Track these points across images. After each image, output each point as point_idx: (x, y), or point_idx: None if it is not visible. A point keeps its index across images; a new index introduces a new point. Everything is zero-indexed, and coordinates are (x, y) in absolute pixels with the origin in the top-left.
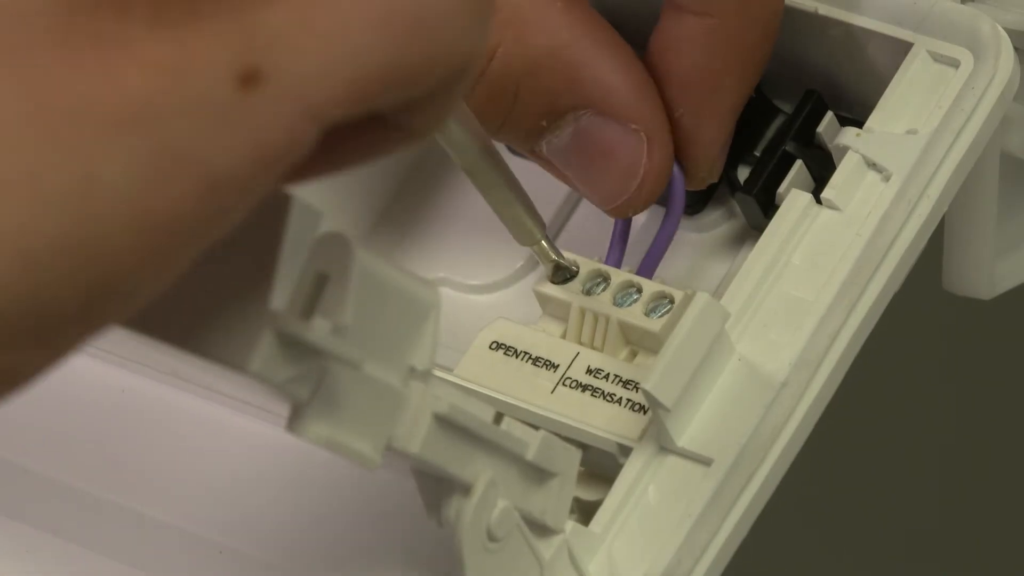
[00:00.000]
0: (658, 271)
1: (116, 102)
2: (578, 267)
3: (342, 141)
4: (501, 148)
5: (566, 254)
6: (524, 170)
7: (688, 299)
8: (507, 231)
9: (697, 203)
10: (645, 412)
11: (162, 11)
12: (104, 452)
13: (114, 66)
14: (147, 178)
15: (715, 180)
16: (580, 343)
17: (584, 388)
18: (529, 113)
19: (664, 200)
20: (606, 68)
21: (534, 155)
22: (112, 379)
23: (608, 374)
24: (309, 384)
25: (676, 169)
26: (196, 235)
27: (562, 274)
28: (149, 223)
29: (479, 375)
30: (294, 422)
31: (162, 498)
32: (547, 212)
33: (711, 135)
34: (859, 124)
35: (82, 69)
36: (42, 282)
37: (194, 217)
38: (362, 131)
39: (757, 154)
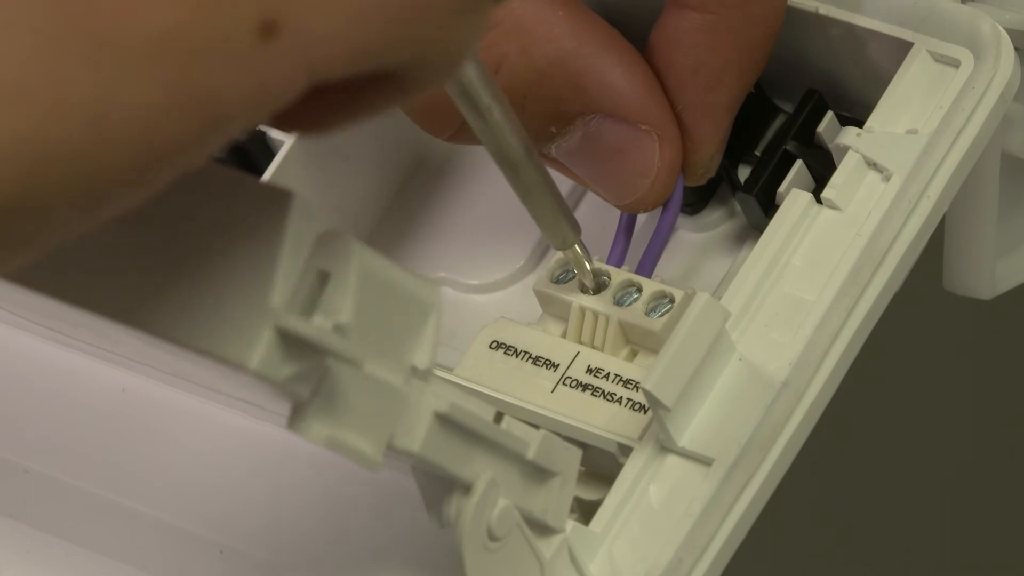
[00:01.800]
0: (659, 270)
1: (145, 32)
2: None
3: (336, 94)
4: None
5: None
6: None
7: (688, 298)
8: (506, 231)
9: (698, 202)
10: (645, 412)
11: None
12: (104, 452)
13: None
14: (159, 108)
15: (712, 175)
16: (580, 342)
17: (584, 387)
18: (538, 120)
19: None
20: (612, 72)
21: (543, 158)
22: (112, 379)
23: (608, 373)
24: (309, 383)
25: None
26: (183, 161)
27: (595, 283)
28: (149, 148)
29: (479, 374)
30: (295, 420)
31: (162, 498)
32: None
33: (709, 131)
34: (859, 124)
35: None
36: (38, 187)
37: (187, 146)
38: (355, 87)
39: (758, 154)
